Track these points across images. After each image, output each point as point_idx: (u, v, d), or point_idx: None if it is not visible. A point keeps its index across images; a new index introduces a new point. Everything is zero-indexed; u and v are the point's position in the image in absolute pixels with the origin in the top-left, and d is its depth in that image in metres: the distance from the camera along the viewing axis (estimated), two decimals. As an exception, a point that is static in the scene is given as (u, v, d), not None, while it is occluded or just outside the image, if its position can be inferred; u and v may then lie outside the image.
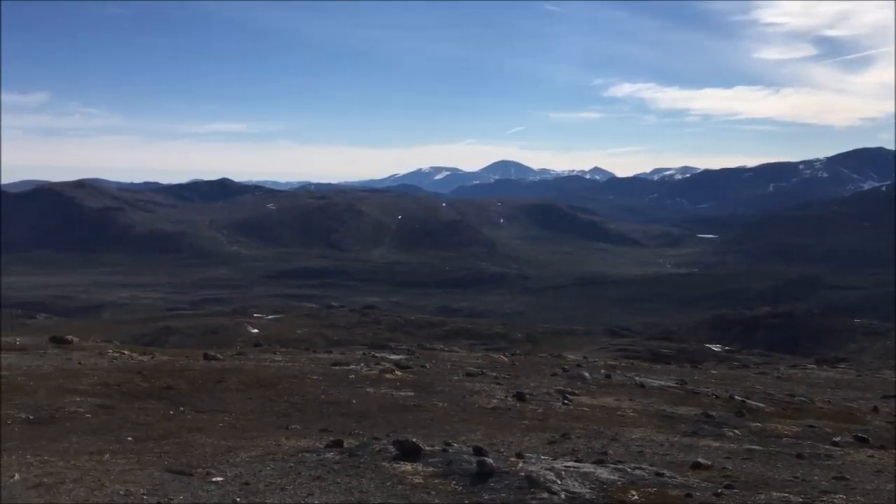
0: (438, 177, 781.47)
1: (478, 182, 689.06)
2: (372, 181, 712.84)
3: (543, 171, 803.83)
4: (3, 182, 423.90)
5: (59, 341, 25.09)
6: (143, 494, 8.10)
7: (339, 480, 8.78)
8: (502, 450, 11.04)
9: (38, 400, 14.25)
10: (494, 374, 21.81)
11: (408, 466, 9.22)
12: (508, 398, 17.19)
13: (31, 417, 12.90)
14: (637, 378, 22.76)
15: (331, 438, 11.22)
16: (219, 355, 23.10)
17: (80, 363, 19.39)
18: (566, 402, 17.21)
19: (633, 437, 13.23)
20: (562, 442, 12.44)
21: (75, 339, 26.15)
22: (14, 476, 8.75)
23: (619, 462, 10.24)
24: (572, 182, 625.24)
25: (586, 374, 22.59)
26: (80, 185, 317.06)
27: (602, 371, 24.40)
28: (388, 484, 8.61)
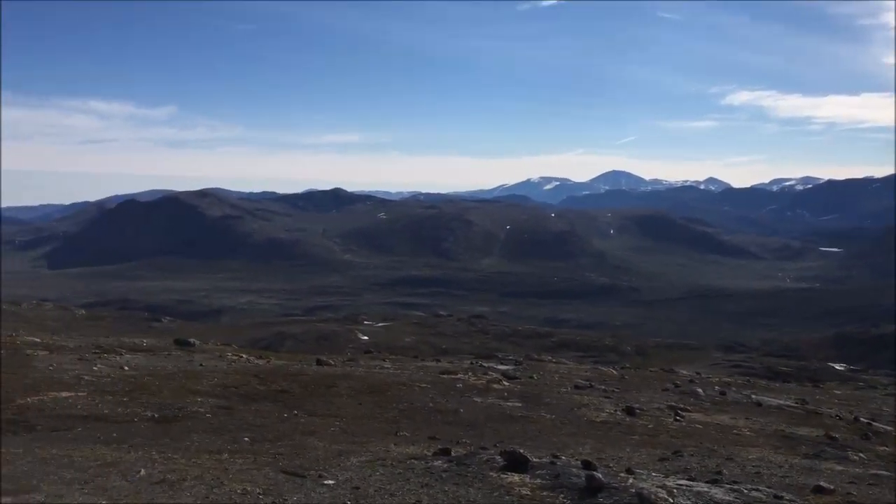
0: (548, 187, 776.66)
1: (588, 192, 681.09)
2: (481, 191, 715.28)
3: (655, 181, 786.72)
4: (134, 191, 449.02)
5: (182, 344, 26.32)
6: (259, 494, 8.37)
7: (446, 489, 8.82)
8: (611, 465, 10.85)
9: (162, 399, 14.96)
10: (603, 387, 21.47)
11: (515, 478, 9.18)
12: (618, 412, 16.89)
13: (156, 416, 13.55)
14: (754, 396, 21.95)
15: (438, 446, 11.29)
16: (331, 361, 23.66)
17: (201, 365, 20.24)
18: (678, 418, 16.76)
19: (750, 457, 12.75)
20: (674, 459, 12.12)
21: (197, 342, 27.38)
22: (140, 471, 9.21)
23: (735, 483, 9.88)
24: (686, 192, 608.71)
25: (699, 390, 21.94)
26: (203, 194, 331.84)
27: (716, 388, 23.64)
28: (495, 494, 8.59)
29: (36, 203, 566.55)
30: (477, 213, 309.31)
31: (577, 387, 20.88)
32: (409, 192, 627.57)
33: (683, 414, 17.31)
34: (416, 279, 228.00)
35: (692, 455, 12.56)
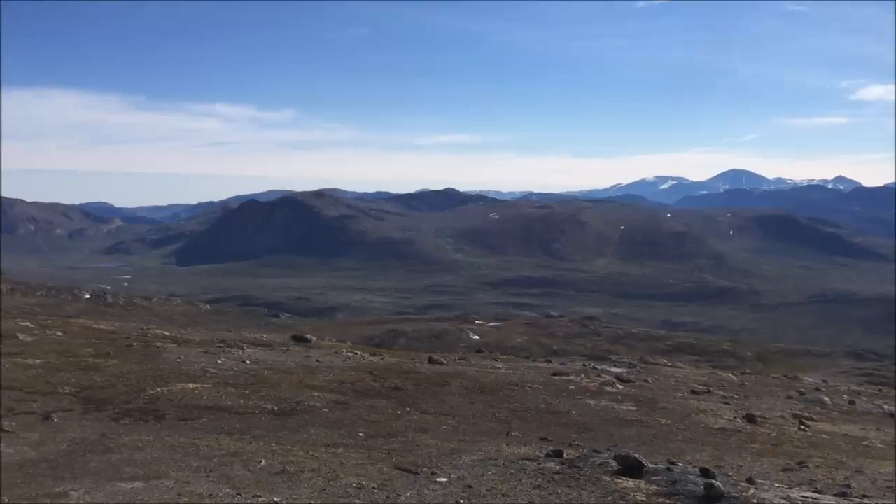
0: (663, 186, 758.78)
1: (706, 192, 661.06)
2: (594, 191, 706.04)
3: (779, 180, 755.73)
4: (256, 192, 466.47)
5: (299, 340, 27.12)
6: (374, 488, 8.52)
7: (559, 491, 8.73)
8: (731, 473, 10.48)
9: (281, 393, 15.45)
10: (722, 393, 20.78)
11: (629, 483, 8.99)
12: (738, 419, 16.30)
13: (276, 409, 14.00)
14: (885, 406, 20.75)
15: (551, 448, 11.20)
16: (443, 360, 23.86)
17: (318, 361, 20.80)
18: (803, 427, 16.02)
19: (882, 470, 12.04)
20: (798, 470, 11.59)
21: (313, 339, 28.14)
22: (261, 462, 9.54)
23: (865, 497, 9.36)
24: (812, 192, 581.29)
25: (826, 398, 20.93)
26: (320, 194, 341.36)
27: (844, 396, 22.49)
28: (608, 499, 8.44)
29: (165, 203, 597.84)
30: (590, 213, 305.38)
31: (693, 392, 20.29)
32: (521, 192, 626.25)
33: (808, 423, 16.54)
34: (527, 279, 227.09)
35: (818, 467, 11.98)
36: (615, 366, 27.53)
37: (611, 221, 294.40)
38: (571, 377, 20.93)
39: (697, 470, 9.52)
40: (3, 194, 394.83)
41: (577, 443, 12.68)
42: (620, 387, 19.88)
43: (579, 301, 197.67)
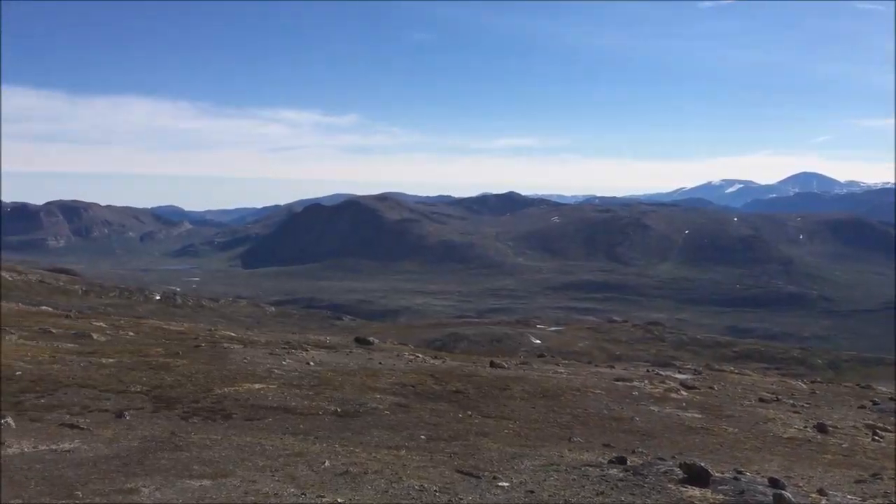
0: (730, 190, 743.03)
1: (774, 195, 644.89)
2: (658, 194, 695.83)
3: (851, 183, 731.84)
4: (319, 195, 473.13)
5: (362, 342, 27.38)
6: (436, 491, 8.55)
7: (622, 498, 8.63)
8: (801, 484, 10.20)
9: (344, 394, 15.63)
10: (791, 401, 20.23)
11: (695, 491, 8.84)
12: (808, 429, 15.86)
13: (339, 410, 14.16)
14: (966, 418, 19.90)
15: (614, 454, 11.08)
16: (504, 363, 23.80)
17: (380, 363, 20.97)
18: (877, 438, 15.50)
19: (962, 485, 11.57)
20: (871, 482, 11.21)
21: (376, 341, 28.38)
22: (325, 462, 9.66)
23: (944, 512, 9.01)
24: (887, 195, 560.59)
25: (901, 409, 20.18)
26: (383, 198, 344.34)
27: (921, 407, 21.64)
28: (674, 508, 8.31)
29: (232, 207, 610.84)
30: (654, 216, 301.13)
31: (762, 400, 19.81)
32: (583, 196, 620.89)
33: (883, 434, 15.99)
34: (589, 283, 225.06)
35: (892, 479, 11.57)
36: (680, 372, 27.07)
37: (675, 225, 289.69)
38: (635, 383, 20.66)
39: (766, 480, 9.30)
40: (79, 198, 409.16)
41: (640, 450, 12.50)
42: (685, 393, 19.54)
43: (643, 306, 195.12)
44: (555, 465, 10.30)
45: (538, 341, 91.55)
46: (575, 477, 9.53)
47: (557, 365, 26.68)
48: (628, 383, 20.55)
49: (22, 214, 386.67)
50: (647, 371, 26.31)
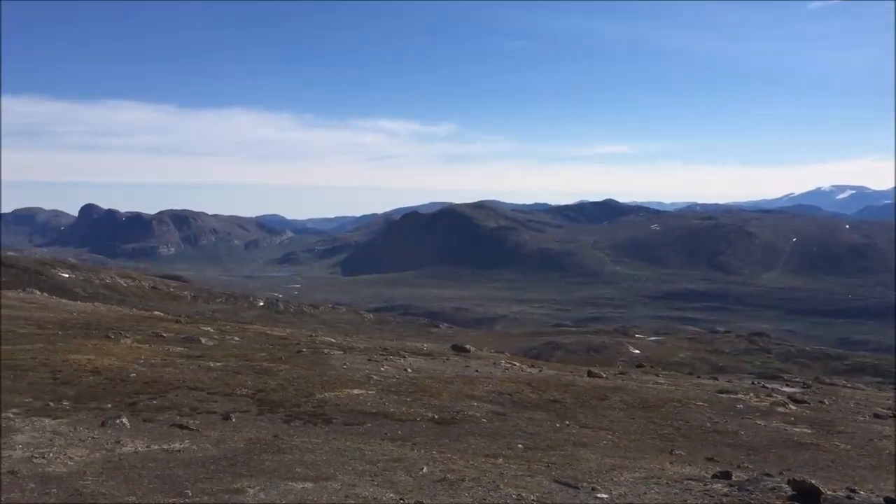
0: (841, 196, 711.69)
1: (889, 202, 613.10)
2: (763, 201, 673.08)
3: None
4: (416, 204, 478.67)
5: (459, 350, 27.50)
6: (533, 501, 8.49)
7: (727, 514, 8.36)
8: (921, 506, 9.64)
9: (442, 402, 15.72)
10: (910, 418, 19.16)
11: (805, 510, 8.47)
12: (928, 448, 14.98)
13: (436, 417, 14.25)
14: None
15: (718, 469, 10.75)
16: (602, 373, 23.47)
17: (476, 371, 21.01)
18: None
19: None
20: None
21: (472, 349, 28.45)
22: (423, 469, 9.73)
23: None
24: None
25: None
26: (479, 206, 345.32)
27: None
28: (782, 526, 8.00)
29: (332, 215, 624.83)
30: (759, 224, 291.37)
31: (877, 416, 18.84)
32: (684, 203, 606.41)
33: None
34: (690, 293, 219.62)
35: None
36: (787, 385, 26.06)
37: (782, 233, 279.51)
38: (739, 395, 20.00)
39: (882, 500, 8.84)
40: (188, 207, 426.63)
41: (746, 465, 12.09)
42: (793, 407, 18.78)
43: (747, 316, 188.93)
44: (655, 478, 10.07)
45: (637, 351, 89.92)
46: (677, 491, 9.29)
47: (657, 375, 26.11)
48: (732, 396, 19.91)
49: (136, 223, 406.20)
50: (753, 383, 25.45)
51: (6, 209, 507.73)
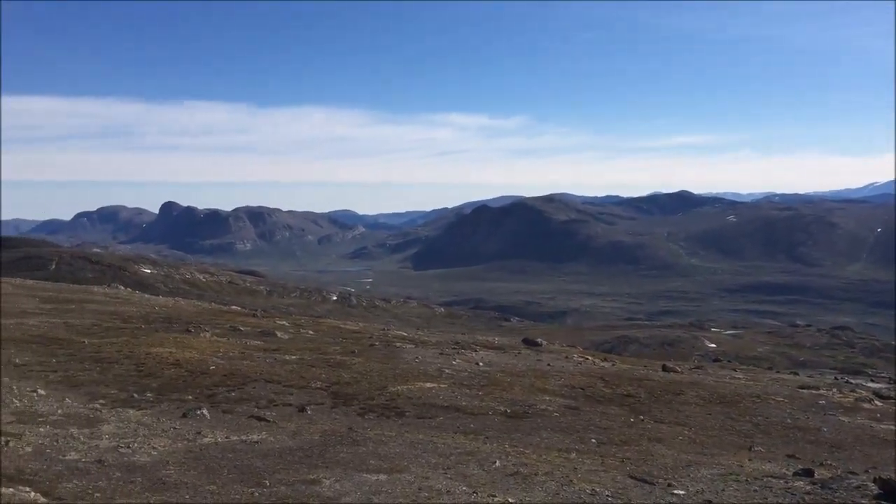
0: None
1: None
2: (846, 191, 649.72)
3: None
4: (486, 198, 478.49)
5: (530, 343, 27.40)
6: (608, 496, 8.40)
7: (809, 513, 8.12)
8: None
9: (513, 395, 15.69)
10: None
11: (893, 510, 8.17)
12: None
13: (508, 411, 14.23)
14: None
15: (799, 466, 10.47)
16: (677, 367, 23.07)
17: (548, 365, 20.89)
18: None
19: None
20: None
21: (544, 343, 28.31)
22: (495, 462, 9.73)
23: None
24: None
25: None
26: (550, 199, 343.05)
27: None
28: (868, 526, 7.73)
29: (403, 210, 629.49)
30: (841, 214, 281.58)
31: (969, 413, 18.05)
32: (761, 194, 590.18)
33: None
34: (768, 285, 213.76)
35: None
36: (872, 381, 25.20)
37: (866, 223, 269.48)
38: (821, 391, 19.41)
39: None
40: (263, 204, 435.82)
41: (828, 462, 11.73)
42: (879, 404, 18.13)
43: (829, 309, 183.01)
44: (734, 474, 9.86)
45: (713, 345, 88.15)
46: (756, 488, 9.07)
47: (735, 370, 25.53)
48: (814, 391, 19.34)
49: (213, 220, 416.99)
50: (836, 379, 24.68)
51: (92, 207, 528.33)
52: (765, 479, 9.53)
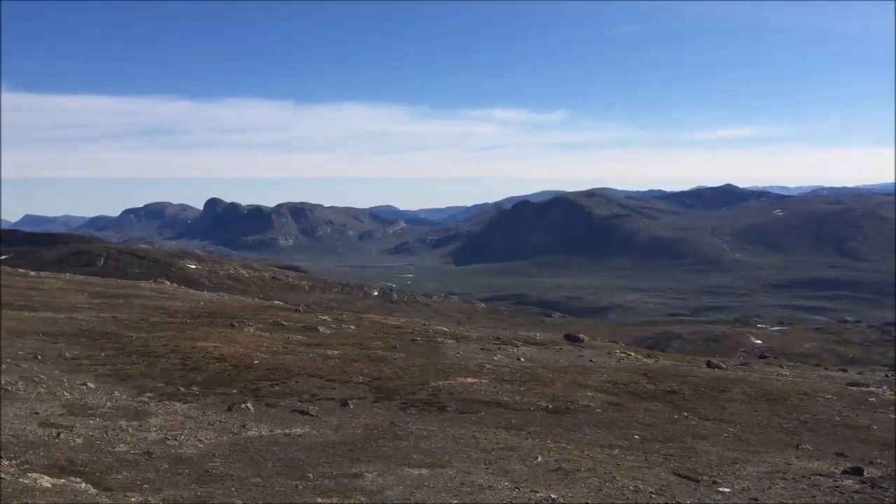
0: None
1: None
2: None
3: None
4: (527, 193, 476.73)
5: (572, 339, 27.22)
6: (652, 493, 8.33)
7: (859, 513, 7.97)
8: None
9: (555, 391, 15.62)
10: None
11: (946, 511, 7.98)
12: None
13: (550, 406, 14.17)
14: None
15: (848, 465, 10.27)
16: (722, 364, 22.75)
17: (590, 361, 20.75)
18: None
19: None
20: None
21: (586, 338, 28.11)
22: (537, 458, 9.71)
23: None
24: None
25: None
26: (591, 194, 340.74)
27: None
28: (920, 527, 7.56)
29: (444, 205, 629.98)
30: (891, 208, 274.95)
31: None
32: (809, 187, 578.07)
33: None
34: (816, 281, 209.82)
35: None
36: (925, 378, 24.53)
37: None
38: (871, 388, 18.98)
39: None
40: (305, 200, 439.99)
41: (879, 461, 11.47)
42: (932, 402, 17.67)
43: (879, 305, 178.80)
44: (781, 472, 9.70)
45: (759, 341, 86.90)
46: (804, 486, 8.92)
47: (781, 367, 25.09)
48: (864, 389, 18.93)
49: (256, 216, 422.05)
50: (886, 376, 24.10)
51: (138, 203, 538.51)
52: (812, 478, 9.37)
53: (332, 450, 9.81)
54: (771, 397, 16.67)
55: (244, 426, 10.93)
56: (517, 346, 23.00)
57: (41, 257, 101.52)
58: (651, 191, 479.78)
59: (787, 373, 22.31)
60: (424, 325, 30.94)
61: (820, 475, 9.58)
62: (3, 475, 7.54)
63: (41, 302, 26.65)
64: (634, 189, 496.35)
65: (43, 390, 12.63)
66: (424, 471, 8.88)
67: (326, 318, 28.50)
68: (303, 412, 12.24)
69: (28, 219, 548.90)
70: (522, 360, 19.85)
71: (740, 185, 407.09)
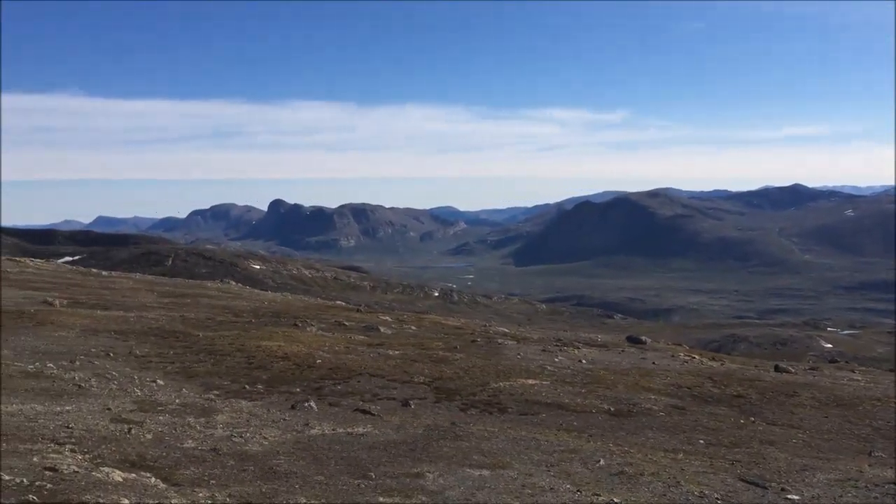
0: None
1: None
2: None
3: None
4: (589, 193, 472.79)
5: (634, 341, 26.88)
6: (717, 499, 8.17)
7: (936, 524, 7.68)
8: None
9: (617, 393, 15.44)
10: None
11: None
12: None
13: (612, 409, 14.01)
14: None
15: (925, 474, 9.89)
16: (790, 368, 22.17)
17: (653, 363, 20.45)
18: None
19: None
20: None
21: (648, 340, 27.72)
22: (599, 461, 9.61)
23: None
24: None
25: None
26: (654, 194, 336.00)
27: None
28: None
29: (504, 206, 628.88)
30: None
31: None
32: (881, 187, 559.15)
33: None
34: (890, 283, 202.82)
35: None
36: None
37: None
38: (949, 395, 18.27)
39: None
40: (367, 201, 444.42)
41: (957, 471, 11.05)
42: None
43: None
44: (852, 480, 9.41)
45: (829, 345, 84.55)
46: (877, 495, 8.64)
47: (853, 371, 24.32)
48: (941, 395, 18.23)
49: (319, 217, 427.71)
50: (965, 382, 23.17)
51: (205, 205, 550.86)
52: (886, 486, 9.07)
53: (394, 449, 9.87)
54: (842, 403, 16.19)
55: (307, 424, 11.08)
56: (578, 348, 22.80)
57: (113, 257, 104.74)
58: (716, 191, 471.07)
59: (859, 377, 21.63)
60: (485, 325, 30.90)
61: (894, 484, 9.27)
62: (76, 469, 7.80)
63: (113, 301, 27.48)
64: (698, 189, 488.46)
65: (115, 387, 13.02)
66: (485, 472, 8.87)
67: (387, 318, 28.70)
68: (364, 411, 12.35)
69: (101, 220, 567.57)
70: (584, 361, 19.68)
71: (809, 185, 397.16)
